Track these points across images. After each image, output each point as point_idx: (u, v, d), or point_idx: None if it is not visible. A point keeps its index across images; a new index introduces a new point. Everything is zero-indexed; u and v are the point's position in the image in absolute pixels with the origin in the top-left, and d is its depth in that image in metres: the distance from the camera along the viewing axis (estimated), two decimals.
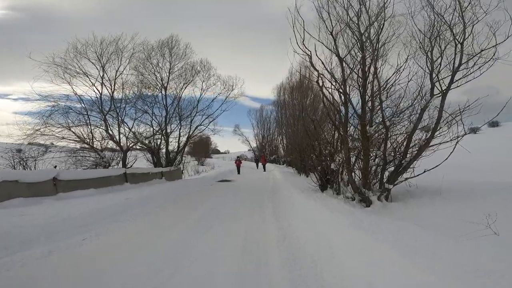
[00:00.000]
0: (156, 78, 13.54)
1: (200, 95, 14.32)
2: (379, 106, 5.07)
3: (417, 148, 4.73)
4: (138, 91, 11.89)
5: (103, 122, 9.76)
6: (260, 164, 24.39)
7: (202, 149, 47.56)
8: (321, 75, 5.32)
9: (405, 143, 4.81)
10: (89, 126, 9.60)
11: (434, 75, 4.64)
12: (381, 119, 4.87)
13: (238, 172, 20.29)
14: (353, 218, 3.89)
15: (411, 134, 4.72)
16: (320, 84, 5.47)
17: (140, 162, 13.70)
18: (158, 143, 13.84)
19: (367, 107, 5.04)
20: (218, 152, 74.50)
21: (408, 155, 4.73)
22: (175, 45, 14.03)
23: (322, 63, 5.23)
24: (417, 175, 4.71)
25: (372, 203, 4.86)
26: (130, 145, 10.62)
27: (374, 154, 5.09)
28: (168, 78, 13.83)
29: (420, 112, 4.70)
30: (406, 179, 4.81)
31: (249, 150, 48.98)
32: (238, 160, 21.51)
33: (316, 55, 5.24)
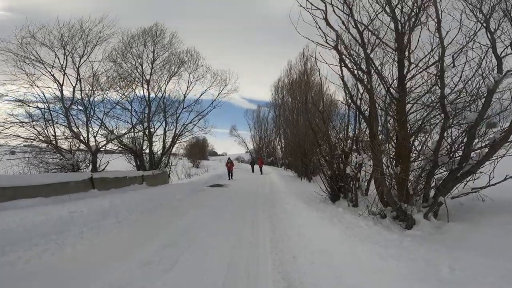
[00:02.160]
0: (137, 70, 11.95)
1: (187, 88, 12.73)
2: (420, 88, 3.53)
3: (484, 145, 3.17)
4: (113, 84, 10.24)
5: (65, 117, 8.11)
6: (256, 167, 22.61)
7: (198, 151, 46.23)
8: (340, 39, 3.74)
9: (465, 139, 3.25)
10: (48, 123, 7.96)
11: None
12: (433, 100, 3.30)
13: (230, 177, 16.13)
14: (403, 254, 2.35)
15: (475, 125, 3.16)
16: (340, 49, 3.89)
17: (122, 165, 12.08)
18: (141, 142, 12.22)
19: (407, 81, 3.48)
20: (215, 154, 72.82)
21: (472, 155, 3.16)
22: (160, 34, 12.48)
23: (342, 22, 3.66)
24: (494, 184, 3.13)
25: (416, 223, 3.30)
26: (102, 145, 8.96)
27: (417, 153, 3.53)
28: (151, 71, 12.24)
29: (487, 95, 3.16)
30: (476, 190, 3.22)
31: (246, 152, 47.42)
32: (230, 163, 16.76)
33: (334, 11, 3.67)
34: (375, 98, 3.98)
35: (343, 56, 3.86)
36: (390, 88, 3.49)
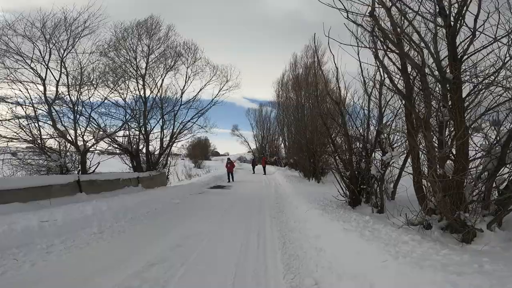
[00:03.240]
0: (131, 65, 11.16)
1: (185, 83, 11.93)
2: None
3: None
4: (105, 79, 9.45)
5: (48, 114, 7.35)
6: (259, 167, 21.71)
7: (200, 151, 45.71)
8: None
9: None
10: (31, 120, 7.21)
11: None
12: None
13: (229, 180, 14.58)
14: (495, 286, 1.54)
15: None
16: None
17: (117, 166, 11.34)
18: (137, 142, 11.44)
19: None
20: (217, 154, 72.15)
21: None
22: (155, 27, 11.70)
23: None
24: None
25: (477, 235, 2.51)
26: (91, 144, 8.20)
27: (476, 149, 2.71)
28: (147, 65, 11.45)
29: None
30: None
31: (248, 151, 46.71)
32: (230, 163, 14.99)
33: None
34: (412, 80, 3.17)
35: (377, 33, 3.04)
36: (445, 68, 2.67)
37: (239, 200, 7.99)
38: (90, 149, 8.83)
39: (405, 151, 4.16)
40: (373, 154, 4.58)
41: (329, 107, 5.61)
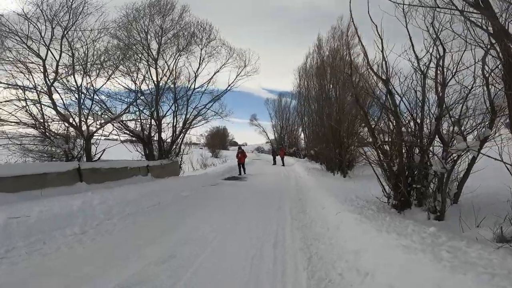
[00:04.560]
0: (143, 47, 10.38)
1: (199, 66, 11.03)
2: None
3: None
4: (115, 61, 8.76)
5: (47, 96, 6.73)
6: (278, 158, 20.72)
7: (219, 141, 45.69)
8: None
9: None
10: (28, 102, 6.64)
11: None
12: None
13: (240, 172, 13.03)
14: None
15: None
16: None
17: (129, 154, 10.82)
18: (148, 128, 10.81)
19: None
20: (235, 144, 71.96)
21: None
22: (169, 7, 10.80)
23: None
24: None
25: None
26: (96, 129, 7.57)
27: None
28: (159, 48, 10.63)
29: None
30: None
31: (266, 142, 45.89)
32: (241, 153, 13.20)
33: None
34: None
35: None
36: None
37: (255, 195, 7.07)
38: (103, 136, 8.30)
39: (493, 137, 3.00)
40: (432, 145, 3.44)
41: (368, 88, 4.45)
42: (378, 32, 4.17)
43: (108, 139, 8.76)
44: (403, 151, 3.69)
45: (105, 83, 7.98)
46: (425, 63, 3.90)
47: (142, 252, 2.94)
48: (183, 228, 3.90)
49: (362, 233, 3.18)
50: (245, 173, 13.11)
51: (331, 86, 10.75)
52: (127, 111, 8.65)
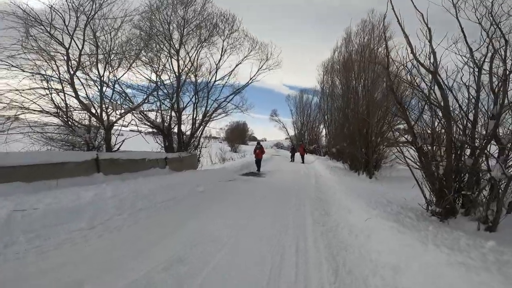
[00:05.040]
0: (165, 38, 10.23)
1: (220, 57, 10.73)
2: None
3: None
4: (137, 51, 8.68)
5: (69, 85, 6.72)
6: (297, 155, 20.10)
7: (238, 135, 45.86)
8: None
9: None
10: (51, 90, 6.66)
11: None
12: None
13: (258, 169, 12.33)
14: None
15: None
16: None
17: (148, 146, 10.84)
18: (168, 120, 10.74)
19: None
20: (255, 139, 71.78)
21: None
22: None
23: None
24: None
25: None
26: (116, 119, 7.52)
27: None
28: (181, 40, 10.44)
29: None
30: None
31: (286, 138, 45.25)
32: (259, 149, 12.44)
33: None
34: None
35: None
36: None
37: (274, 193, 6.71)
38: (122, 126, 8.28)
39: None
40: (489, 146, 2.88)
41: (412, 79, 3.92)
42: (424, 21, 3.67)
43: (132, 131, 8.74)
44: (452, 152, 3.14)
45: (125, 72, 7.89)
46: (480, 57, 3.35)
47: (149, 253, 2.68)
48: (193, 230, 3.61)
49: (401, 245, 2.72)
50: (259, 170, 12.25)
51: (360, 80, 10.04)
52: (146, 101, 8.53)
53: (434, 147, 3.47)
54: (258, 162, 12.47)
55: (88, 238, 2.91)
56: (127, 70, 7.98)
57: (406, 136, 4.19)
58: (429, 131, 3.79)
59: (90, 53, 7.37)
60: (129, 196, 4.59)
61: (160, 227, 3.59)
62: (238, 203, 5.33)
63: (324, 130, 27.96)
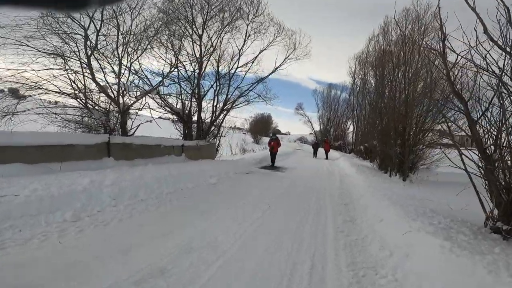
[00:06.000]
0: (187, 22, 9.77)
1: (244, 43, 10.10)
2: None
3: None
4: (159, 34, 8.32)
5: (86, 66, 6.50)
6: (321, 150, 18.86)
7: (262, 127, 45.44)
8: None
9: None
10: (69, 72, 6.50)
11: None
12: None
13: (273, 164, 11.17)
14: None
15: None
16: None
17: (167, 132, 10.64)
18: (188, 106, 10.42)
19: None
20: (279, 132, 71.00)
21: None
22: None
23: None
24: None
25: None
26: (130, 99, 7.25)
27: None
28: (204, 24, 9.92)
29: None
30: None
31: (310, 133, 43.89)
32: (274, 141, 11.24)
33: None
34: None
35: None
36: None
37: (291, 191, 6.07)
38: (138, 110, 8.04)
39: None
40: None
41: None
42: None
43: (153, 118, 8.50)
44: None
45: (140, 55, 7.52)
46: None
47: (126, 258, 2.21)
48: (195, 227, 3.12)
49: (457, 271, 2.01)
50: (273, 165, 11.12)
51: (398, 73, 8.87)
52: (162, 84, 8.17)
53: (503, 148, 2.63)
54: (273, 156, 11.31)
55: (65, 233, 2.52)
56: (142, 53, 7.62)
57: (458, 134, 3.33)
58: (494, 132, 2.93)
59: (108, 34, 7.12)
60: (131, 184, 4.21)
61: (156, 224, 3.13)
62: (251, 200, 4.78)
63: (351, 127, 26.45)
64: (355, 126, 23.08)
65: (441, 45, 3.69)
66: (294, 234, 3.26)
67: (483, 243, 2.49)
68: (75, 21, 6.52)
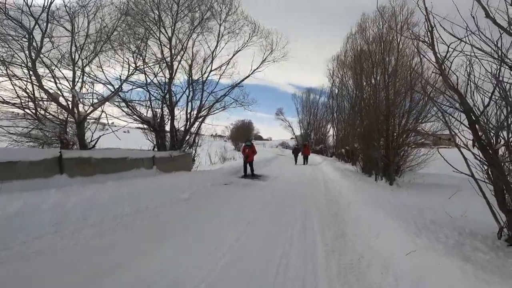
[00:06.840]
0: (155, 24, 9.07)
1: (217, 44, 9.56)
2: None
3: None
4: (120, 35, 7.58)
5: (27, 69, 5.64)
6: (300, 156, 17.86)
7: (243, 134, 44.99)
8: None
9: None
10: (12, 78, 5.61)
11: None
12: None
13: (245, 173, 9.77)
14: None
15: None
16: None
17: (138, 144, 9.78)
18: (159, 115, 9.66)
19: None
20: (260, 138, 70.71)
21: None
22: None
23: None
24: None
25: None
26: (88, 108, 6.42)
27: None
28: (174, 26, 9.28)
29: None
30: None
31: (291, 138, 44.00)
32: (249, 148, 9.75)
33: None
34: None
35: None
36: None
37: (274, 203, 5.49)
38: (96, 119, 7.16)
39: None
40: None
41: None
42: None
43: (120, 127, 7.63)
44: None
45: (94, 58, 6.72)
46: None
47: None
48: (150, 262, 2.44)
49: None
50: (252, 173, 9.80)
51: (379, 72, 8.67)
52: (121, 90, 7.33)
53: None
54: (247, 165, 9.80)
55: None
56: (96, 56, 6.80)
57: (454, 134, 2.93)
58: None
59: (58, 36, 6.25)
60: (80, 206, 3.44)
61: (102, 255, 2.42)
62: (228, 218, 4.14)
63: (332, 130, 26.58)
64: (335, 128, 23.13)
65: (429, 35, 3.34)
66: (279, 262, 2.66)
67: (509, 262, 2.04)
68: (14, 22, 5.60)
